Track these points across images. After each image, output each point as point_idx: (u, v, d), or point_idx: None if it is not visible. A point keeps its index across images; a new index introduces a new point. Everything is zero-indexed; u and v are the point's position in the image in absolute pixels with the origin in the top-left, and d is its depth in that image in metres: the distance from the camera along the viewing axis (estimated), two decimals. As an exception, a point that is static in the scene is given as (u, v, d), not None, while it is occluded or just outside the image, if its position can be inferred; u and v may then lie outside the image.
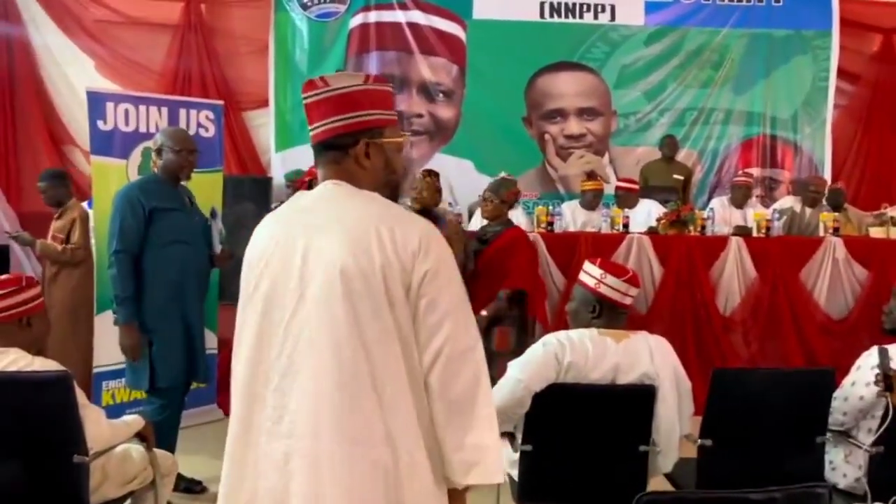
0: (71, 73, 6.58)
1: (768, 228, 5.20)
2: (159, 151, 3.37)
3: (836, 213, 5.53)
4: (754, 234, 5.21)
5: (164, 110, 4.28)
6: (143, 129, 4.16)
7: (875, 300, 4.66)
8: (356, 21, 7.01)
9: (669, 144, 6.61)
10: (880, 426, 2.45)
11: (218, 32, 6.87)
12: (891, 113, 7.38)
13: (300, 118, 6.90)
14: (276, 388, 1.46)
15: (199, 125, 4.41)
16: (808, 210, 5.90)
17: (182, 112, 4.35)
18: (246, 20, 6.92)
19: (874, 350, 2.57)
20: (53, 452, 2.26)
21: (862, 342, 4.23)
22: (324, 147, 1.53)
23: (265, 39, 6.90)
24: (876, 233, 5.36)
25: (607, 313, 2.47)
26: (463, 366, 1.45)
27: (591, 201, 5.80)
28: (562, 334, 2.44)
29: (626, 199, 5.72)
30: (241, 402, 1.51)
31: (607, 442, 2.42)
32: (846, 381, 2.62)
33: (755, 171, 7.16)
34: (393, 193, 1.58)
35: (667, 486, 2.68)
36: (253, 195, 5.81)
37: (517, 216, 5.71)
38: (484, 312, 3.97)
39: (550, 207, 5.39)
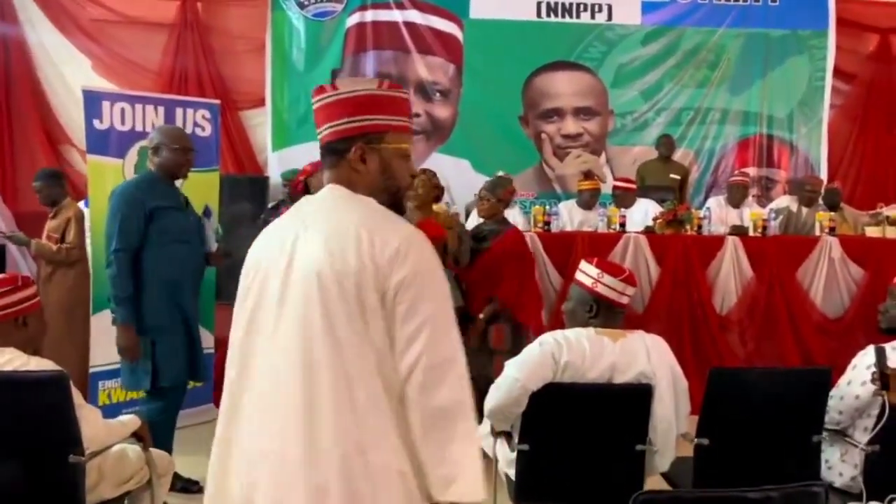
0: (67, 72, 6.56)
1: (765, 228, 5.21)
2: (157, 149, 3.34)
3: (833, 213, 5.54)
4: (751, 233, 5.22)
5: (161, 109, 4.27)
6: (139, 129, 4.15)
7: (871, 299, 4.67)
8: (353, 20, 7.00)
9: (666, 144, 6.61)
10: (876, 425, 2.46)
11: (214, 31, 6.86)
12: (887, 112, 7.40)
13: (297, 117, 6.91)
14: (255, 387, 1.47)
15: (195, 124, 4.40)
16: (804, 209, 5.91)
17: (178, 111, 4.34)
18: (242, 19, 6.92)
19: (870, 349, 2.57)
20: (49, 452, 2.25)
21: (858, 341, 4.24)
22: (326, 151, 1.54)
23: (262, 38, 6.89)
24: (872, 232, 5.37)
25: (604, 313, 2.48)
26: (442, 377, 1.39)
27: (589, 201, 5.80)
28: (559, 334, 2.44)
29: (623, 198, 5.73)
30: (227, 400, 1.52)
31: (604, 441, 2.42)
32: (842, 380, 2.62)
33: (751, 171, 7.18)
34: (393, 199, 1.55)
35: (663, 486, 2.68)
36: (250, 194, 5.81)
37: (514, 215, 5.72)
38: (481, 315, 3.98)
39: (547, 207, 5.40)
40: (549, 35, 7.10)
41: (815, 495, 1.64)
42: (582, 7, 7.12)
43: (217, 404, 4.58)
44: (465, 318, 3.98)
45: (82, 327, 4.16)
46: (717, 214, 5.71)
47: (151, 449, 2.59)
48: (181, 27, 6.73)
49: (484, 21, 7.03)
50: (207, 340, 4.50)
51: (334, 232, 1.43)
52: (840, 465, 2.61)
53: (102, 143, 4.08)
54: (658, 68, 7.21)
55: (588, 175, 6.42)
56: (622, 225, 5.14)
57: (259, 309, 1.48)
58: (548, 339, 2.42)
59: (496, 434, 2.53)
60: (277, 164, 6.77)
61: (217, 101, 4.75)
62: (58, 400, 2.24)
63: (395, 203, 1.56)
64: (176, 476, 3.12)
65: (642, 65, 7.20)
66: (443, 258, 3.94)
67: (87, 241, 4.42)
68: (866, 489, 2.45)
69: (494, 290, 4.03)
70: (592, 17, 7.12)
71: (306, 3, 6.93)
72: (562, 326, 2.56)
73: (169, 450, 3.04)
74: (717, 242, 5.07)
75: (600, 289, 2.47)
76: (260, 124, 6.97)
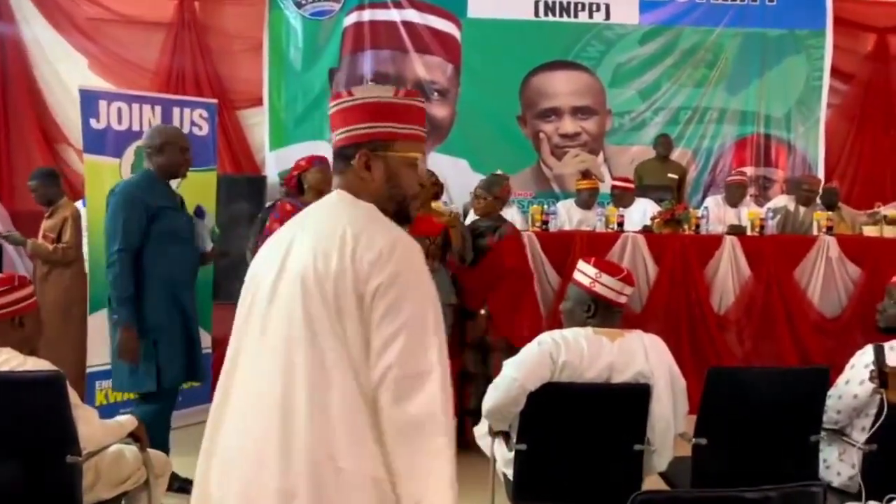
0: (63, 71, 6.55)
1: (762, 227, 5.21)
2: (160, 149, 3.33)
3: (830, 212, 5.54)
4: (748, 232, 5.22)
5: (158, 109, 4.27)
6: (136, 128, 4.14)
7: (868, 299, 4.67)
8: (350, 19, 6.99)
9: (664, 143, 6.62)
10: (874, 424, 2.46)
11: (212, 30, 6.85)
12: (884, 112, 7.42)
13: (294, 116, 6.91)
14: (241, 387, 1.46)
15: (192, 124, 4.40)
16: (801, 209, 5.91)
17: (175, 110, 4.34)
18: (240, 18, 6.91)
19: (868, 348, 2.57)
20: (46, 453, 2.25)
21: (855, 341, 4.24)
22: (335, 156, 1.54)
23: (259, 38, 6.88)
24: (869, 231, 5.37)
25: (602, 312, 2.47)
26: (413, 388, 1.35)
27: (587, 200, 5.80)
28: (557, 333, 2.44)
29: (622, 197, 5.73)
30: (216, 399, 1.52)
31: (602, 441, 2.42)
32: (840, 380, 2.62)
33: (749, 170, 7.19)
34: (399, 208, 1.53)
35: (661, 485, 2.68)
36: (247, 194, 5.81)
37: (512, 215, 5.72)
38: (482, 311, 3.99)
39: (545, 206, 5.39)
40: (546, 34, 7.10)
41: (813, 495, 1.64)
42: (580, 6, 7.11)
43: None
44: (462, 315, 3.98)
45: (79, 327, 4.16)
46: (714, 214, 5.71)
47: (148, 449, 2.58)
48: (178, 26, 6.71)
49: (482, 20, 7.03)
50: (205, 340, 4.49)
51: (323, 234, 1.43)
52: (838, 465, 2.61)
53: (99, 142, 4.08)
54: (656, 68, 7.21)
55: (586, 174, 6.42)
56: (620, 224, 5.14)
57: (252, 310, 1.49)
58: (546, 338, 2.41)
59: (494, 434, 2.53)
60: (275, 163, 6.76)
61: (214, 101, 4.75)
62: (54, 400, 2.23)
63: (401, 212, 1.54)
64: (173, 476, 3.11)
65: (640, 64, 7.21)
66: (443, 254, 3.94)
67: (84, 240, 4.41)
68: (864, 488, 2.45)
69: (489, 296, 4.03)
70: (590, 16, 7.12)
71: (304, 2, 6.92)
72: (560, 326, 2.56)
73: (166, 450, 3.04)
74: (715, 242, 5.06)
75: (598, 288, 2.47)
76: (257, 124, 6.96)
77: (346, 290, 1.37)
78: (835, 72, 7.30)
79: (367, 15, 7.00)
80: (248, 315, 1.49)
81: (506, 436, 2.50)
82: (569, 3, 7.10)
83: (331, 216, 1.47)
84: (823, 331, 5.05)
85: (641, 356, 2.40)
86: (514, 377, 2.33)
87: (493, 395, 2.38)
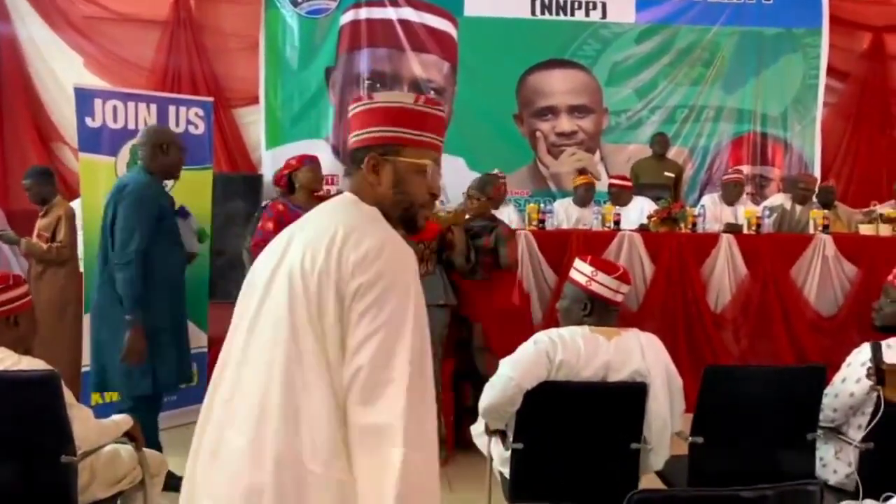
0: (59, 69, 6.52)
1: (759, 225, 5.22)
2: (165, 149, 3.32)
3: (826, 211, 5.55)
4: (745, 231, 5.23)
5: (154, 107, 4.26)
6: (131, 127, 4.13)
7: (864, 297, 4.68)
8: (347, 18, 6.97)
9: (660, 142, 6.62)
10: (871, 422, 2.46)
11: (208, 29, 6.82)
12: (880, 111, 7.43)
13: (290, 115, 6.90)
14: (227, 383, 1.46)
15: (188, 122, 4.39)
16: (798, 207, 5.92)
17: (171, 109, 4.33)
18: (236, 16, 6.88)
19: (865, 346, 2.57)
20: (41, 452, 2.24)
21: (852, 339, 4.26)
22: (349, 159, 1.54)
23: (255, 36, 6.86)
24: (865, 230, 5.38)
25: (598, 311, 2.47)
26: (379, 394, 1.31)
27: (584, 196, 5.80)
28: (553, 332, 2.43)
29: (619, 196, 5.73)
30: (207, 395, 1.52)
31: (599, 440, 2.42)
32: (837, 378, 2.62)
33: (745, 169, 7.19)
34: (406, 214, 1.52)
35: (658, 484, 2.68)
36: (243, 193, 5.79)
37: (509, 213, 5.72)
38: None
39: (542, 205, 5.39)
40: (543, 33, 7.09)
41: (809, 493, 1.64)
42: (576, 5, 7.11)
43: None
44: (456, 318, 3.97)
45: (74, 326, 4.15)
46: (711, 212, 5.71)
47: (144, 449, 2.57)
48: (174, 25, 6.69)
49: (478, 19, 7.02)
50: (201, 339, 4.49)
51: (316, 233, 1.42)
52: (835, 463, 2.61)
53: (94, 140, 4.06)
54: (652, 66, 7.21)
55: (582, 171, 6.42)
56: (617, 223, 5.14)
57: (247, 309, 1.48)
58: (542, 337, 2.41)
59: (491, 432, 2.53)
60: (271, 162, 6.73)
61: (210, 99, 4.74)
62: (49, 399, 2.23)
63: (408, 218, 1.52)
64: (169, 475, 3.10)
65: (636, 63, 7.20)
66: (439, 257, 3.93)
67: (79, 239, 4.39)
68: (861, 486, 2.45)
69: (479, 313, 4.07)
70: (587, 14, 7.11)
71: (300, 0, 6.90)
72: (556, 325, 2.56)
73: (158, 450, 3.03)
74: (712, 240, 5.07)
75: (594, 287, 2.46)
76: (253, 122, 6.94)
77: (328, 289, 1.36)
78: (831, 70, 7.31)
79: (363, 13, 6.98)
80: (244, 313, 1.49)
81: (502, 434, 2.49)
82: (565, 2, 7.09)
83: (328, 216, 1.47)
84: (820, 329, 5.06)
85: (638, 355, 2.39)
86: (511, 376, 2.33)
87: (490, 394, 2.37)
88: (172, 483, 3.28)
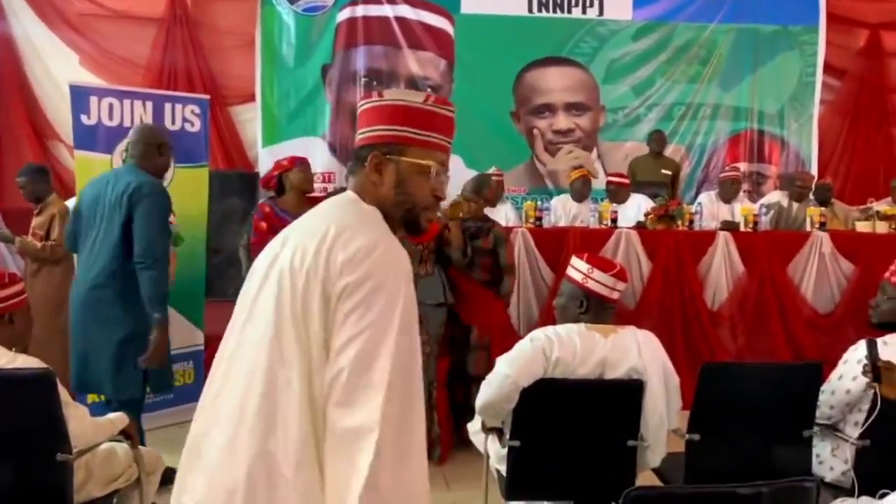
0: (54, 67, 6.50)
1: (755, 223, 5.22)
2: (161, 149, 3.32)
3: (823, 208, 5.56)
4: (742, 228, 5.23)
5: (149, 105, 4.25)
6: (127, 124, 4.11)
7: (861, 294, 4.69)
8: (343, 15, 6.96)
9: (657, 139, 6.62)
10: (867, 419, 2.46)
11: (204, 26, 6.80)
12: (877, 108, 7.44)
13: (287, 112, 6.88)
14: (218, 381, 1.45)
15: (184, 120, 4.38)
16: (794, 205, 5.92)
17: (167, 106, 4.32)
18: (232, 14, 6.86)
19: (861, 343, 2.57)
20: (36, 451, 2.23)
21: (848, 336, 4.27)
22: (353, 157, 1.51)
23: (252, 33, 6.84)
24: (862, 227, 5.39)
25: (595, 308, 2.47)
26: (359, 399, 1.27)
27: (581, 190, 5.79)
28: (550, 330, 2.43)
29: (617, 193, 5.73)
30: (202, 393, 1.51)
31: (595, 437, 2.42)
32: (833, 375, 2.62)
33: (742, 166, 7.21)
34: (409, 216, 1.48)
35: (655, 481, 2.68)
36: (239, 190, 5.78)
37: (506, 211, 5.72)
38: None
39: (539, 202, 5.39)
40: (540, 30, 7.09)
41: (806, 490, 1.64)
42: (573, 2, 7.10)
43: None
44: (451, 316, 3.97)
45: (69, 325, 4.13)
46: (708, 210, 5.72)
47: (140, 447, 2.57)
48: (170, 22, 6.67)
49: (475, 16, 7.01)
50: (197, 337, 4.49)
51: (309, 231, 1.40)
52: (831, 460, 2.61)
53: (90, 138, 4.05)
54: (649, 64, 7.21)
55: (577, 167, 6.42)
56: (614, 220, 5.15)
57: (243, 306, 1.47)
58: (538, 335, 2.41)
59: (487, 430, 2.53)
60: (268, 159, 6.70)
61: (206, 97, 4.73)
62: (44, 398, 2.22)
63: (410, 221, 1.49)
64: (172, 470, 3.09)
65: (633, 60, 7.21)
66: (437, 257, 3.92)
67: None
68: (857, 483, 2.45)
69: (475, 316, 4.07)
70: (584, 12, 7.11)
71: (296, -3, 6.89)
72: (553, 322, 2.56)
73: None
74: (709, 238, 5.07)
75: (591, 284, 2.46)
76: (250, 120, 6.93)
77: (314, 288, 1.33)
78: (828, 68, 7.32)
79: (360, 11, 6.97)
80: (240, 312, 1.48)
81: (499, 432, 2.49)
82: (562, -1, 7.10)
83: (324, 214, 1.45)
84: (816, 326, 5.07)
85: (634, 352, 2.39)
86: (507, 374, 2.32)
87: (486, 392, 2.37)
88: (172, 478, 3.29)
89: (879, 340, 2.55)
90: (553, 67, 7.19)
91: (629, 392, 2.38)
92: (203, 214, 4.47)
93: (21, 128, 6.48)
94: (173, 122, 4.32)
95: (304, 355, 1.33)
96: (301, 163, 4.04)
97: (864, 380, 2.46)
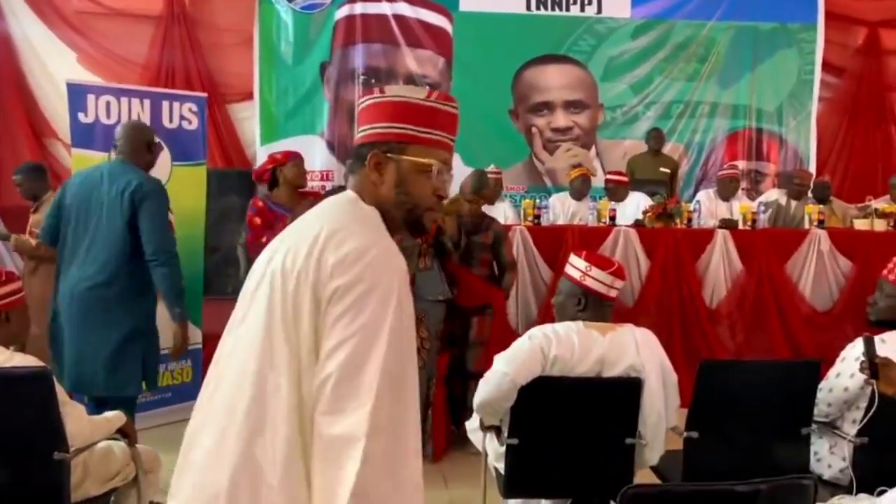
0: (52, 65, 6.48)
1: (754, 221, 5.23)
2: (150, 147, 3.32)
3: (821, 206, 5.56)
4: (740, 226, 5.24)
5: (147, 103, 4.24)
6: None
7: (859, 292, 4.69)
8: (342, 13, 6.95)
9: (656, 137, 6.62)
10: (865, 417, 2.46)
11: (202, 24, 6.79)
12: (875, 106, 7.44)
13: (285, 111, 6.88)
14: (212, 381, 1.43)
15: (182, 118, 4.37)
16: (793, 203, 5.93)
17: (165, 104, 4.31)
18: (230, 12, 6.85)
19: (859, 341, 2.57)
20: (33, 449, 2.23)
21: (846, 334, 4.27)
22: (352, 155, 1.46)
23: (250, 31, 6.83)
24: (860, 225, 5.39)
25: (593, 306, 2.47)
26: (347, 406, 1.23)
27: (580, 188, 5.79)
28: (548, 328, 2.43)
29: (616, 191, 5.73)
30: (201, 389, 1.49)
31: (594, 435, 2.42)
32: (831, 373, 2.63)
33: (741, 164, 7.20)
34: (410, 217, 1.43)
35: (653, 479, 2.68)
36: (237, 188, 5.77)
37: (504, 209, 5.72)
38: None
39: (537, 201, 5.39)
40: (538, 28, 7.08)
41: (804, 488, 1.64)
42: (572, 0, 7.10)
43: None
44: (451, 310, 3.97)
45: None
46: (706, 208, 5.72)
47: (138, 445, 2.56)
48: (168, 20, 6.65)
49: (474, 14, 7.00)
50: (196, 336, 4.48)
51: (303, 232, 1.37)
52: (829, 458, 2.61)
53: (87, 136, 4.05)
54: (648, 62, 7.21)
55: (576, 165, 6.42)
56: (612, 218, 5.15)
57: (240, 307, 1.45)
58: (537, 332, 2.40)
59: (485, 428, 2.52)
60: (266, 157, 6.72)
61: (204, 95, 4.72)
62: (41, 396, 2.21)
63: (412, 221, 1.44)
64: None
65: (632, 58, 7.20)
66: (436, 252, 3.92)
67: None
68: (855, 481, 2.45)
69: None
70: (582, 9, 7.11)
71: (294, -5, 6.88)
72: (552, 320, 2.55)
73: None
74: (707, 236, 5.08)
75: (589, 282, 2.46)
76: (248, 118, 6.92)
77: (305, 290, 1.30)
78: (826, 65, 7.32)
79: (358, 8, 6.97)
80: (237, 312, 1.46)
81: (497, 430, 2.49)
82: (560, -3, 7.09)
83: (319, 215, 1.41)
84: (815, 324, 5.07)
85: (633, 350, 2.39)
86: (505, 371, 2.32)
87: (484, 390, 2.37)
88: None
89: (877, 338, 2.54)
90: (551, 65, 7.18)
91: (627, 390, 2.38)
92: (201, 213, 4.46)
93: (18, 126, 6.47)
94: (171, 121, 4.32)
95: (294, 359, 1.30)
96: (295, 157, 4.04)
97: (861, 377, 2.45)
